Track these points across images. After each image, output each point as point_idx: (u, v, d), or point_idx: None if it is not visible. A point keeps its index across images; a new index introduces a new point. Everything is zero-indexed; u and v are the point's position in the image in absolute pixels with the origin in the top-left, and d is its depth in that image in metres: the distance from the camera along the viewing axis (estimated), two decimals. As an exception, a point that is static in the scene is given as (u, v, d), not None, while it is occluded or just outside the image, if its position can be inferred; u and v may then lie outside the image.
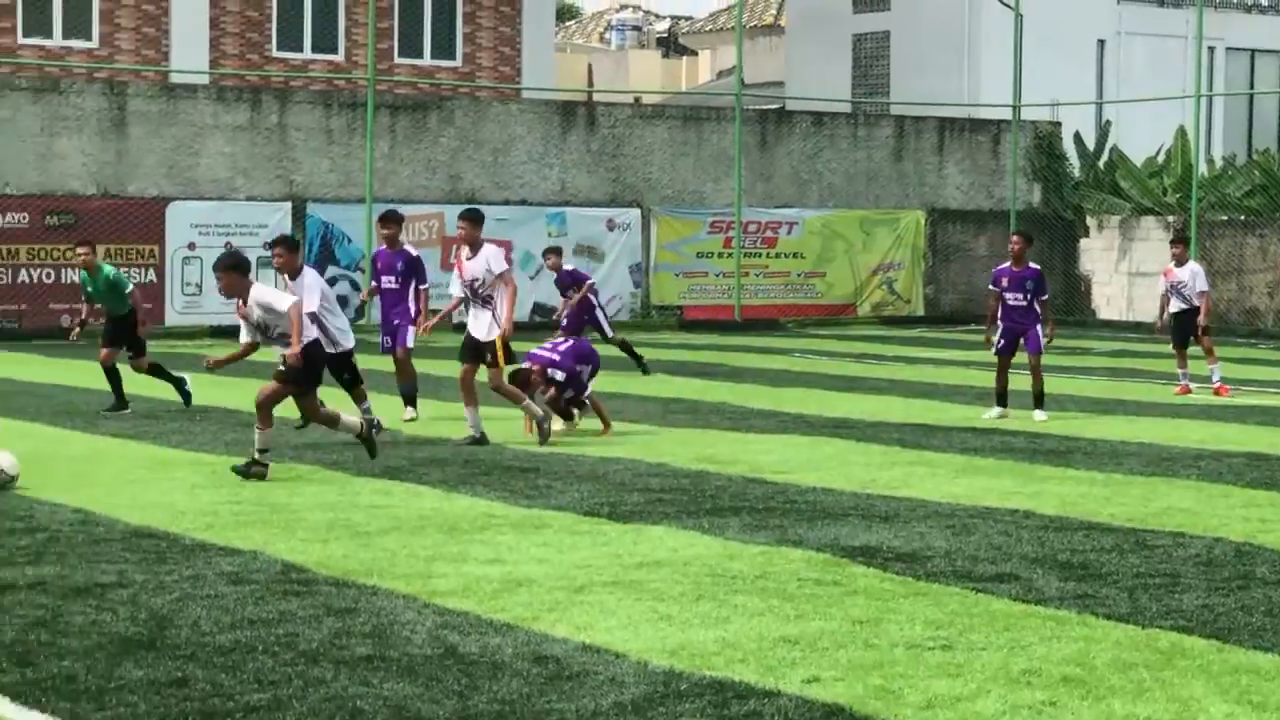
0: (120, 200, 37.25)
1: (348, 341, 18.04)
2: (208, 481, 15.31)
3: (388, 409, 20.19)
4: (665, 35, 77.32)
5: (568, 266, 27.61)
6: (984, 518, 13.54)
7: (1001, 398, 21.33)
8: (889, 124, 45.90)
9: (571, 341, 20.10)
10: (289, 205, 38.57)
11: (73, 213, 36.57)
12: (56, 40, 40.71)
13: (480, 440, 18.16)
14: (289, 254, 17.51)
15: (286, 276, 17.59)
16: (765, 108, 49.06)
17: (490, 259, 18.30)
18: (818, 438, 19.04)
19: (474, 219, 18.57)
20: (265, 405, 15.67)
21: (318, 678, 8.46)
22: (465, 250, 18.50)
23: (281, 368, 15.80)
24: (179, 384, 21.51)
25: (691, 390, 24.88)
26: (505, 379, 18.32)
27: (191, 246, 37.57)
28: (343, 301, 38.49)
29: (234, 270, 16.02)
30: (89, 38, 41.02)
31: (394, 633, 9.44)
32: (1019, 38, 44.67)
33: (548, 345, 19.70)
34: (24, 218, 36.15)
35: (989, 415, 21.20)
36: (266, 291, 16.10)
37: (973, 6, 50.09)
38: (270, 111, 39.25)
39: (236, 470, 15.41)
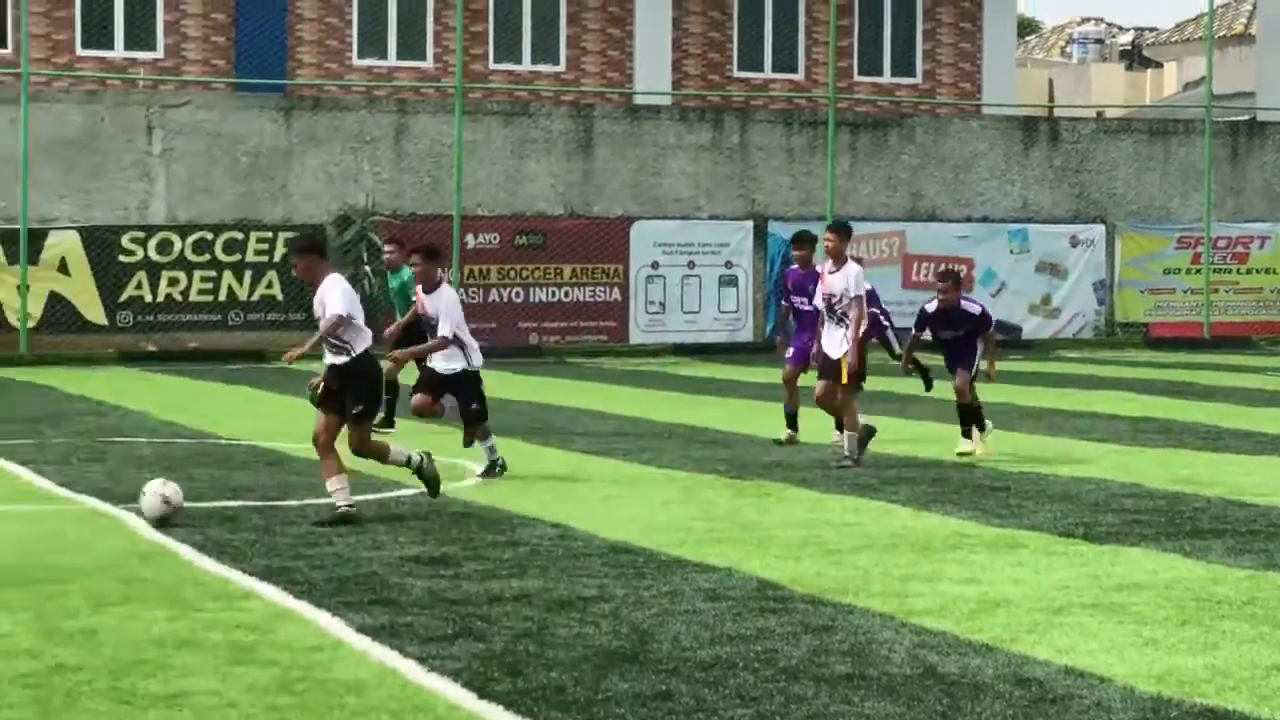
0: (586, 220, 38.11)
1: (478, 360, 17.15)
2: (678, 497, 15.49)
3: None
4: (1129, 47, 75.81)
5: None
6: None
7: None
8: (1368, 133, 44.20)
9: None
10: (750, 224, 38.94)
11: (541, 233, 37.55)
12: (525, 65, 41.80)
13: (869, 432, 17.92)
14: (425, 263, 17.04)
15: (421, 288, 17.26)
16: (1235, 119, 47.68)
17: (852, 278, 17.95)
18: (1299, 459, 18.39)
19: (841, 232, 18.31)
20: (366, 450, 14.24)
21: (799, 695, 8.46)
22: (829, 264, 18.28)
23: (356, 410, 13.99)
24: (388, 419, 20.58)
25: (1162, 409, 24.28)
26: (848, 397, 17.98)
27: (655, 265, 38.20)
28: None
29: (311, 252, 14.32)
30: (556, 62, 42.02)
31: (872, 651, 9.39)
32: None
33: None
34: (494, 238, 37.24)
35: None
36: (333, 288, 14.06)
37: None
38: (732, 131, 39.68)
39: (323, 522, 13.71)
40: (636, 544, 12.83)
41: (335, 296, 13.96)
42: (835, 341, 18.01)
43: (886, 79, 44.28)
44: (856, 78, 43.85)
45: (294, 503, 14.74)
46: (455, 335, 16.67)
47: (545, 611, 10.36)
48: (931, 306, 18.66)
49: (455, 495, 15.44)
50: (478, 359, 17.12)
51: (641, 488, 16.17)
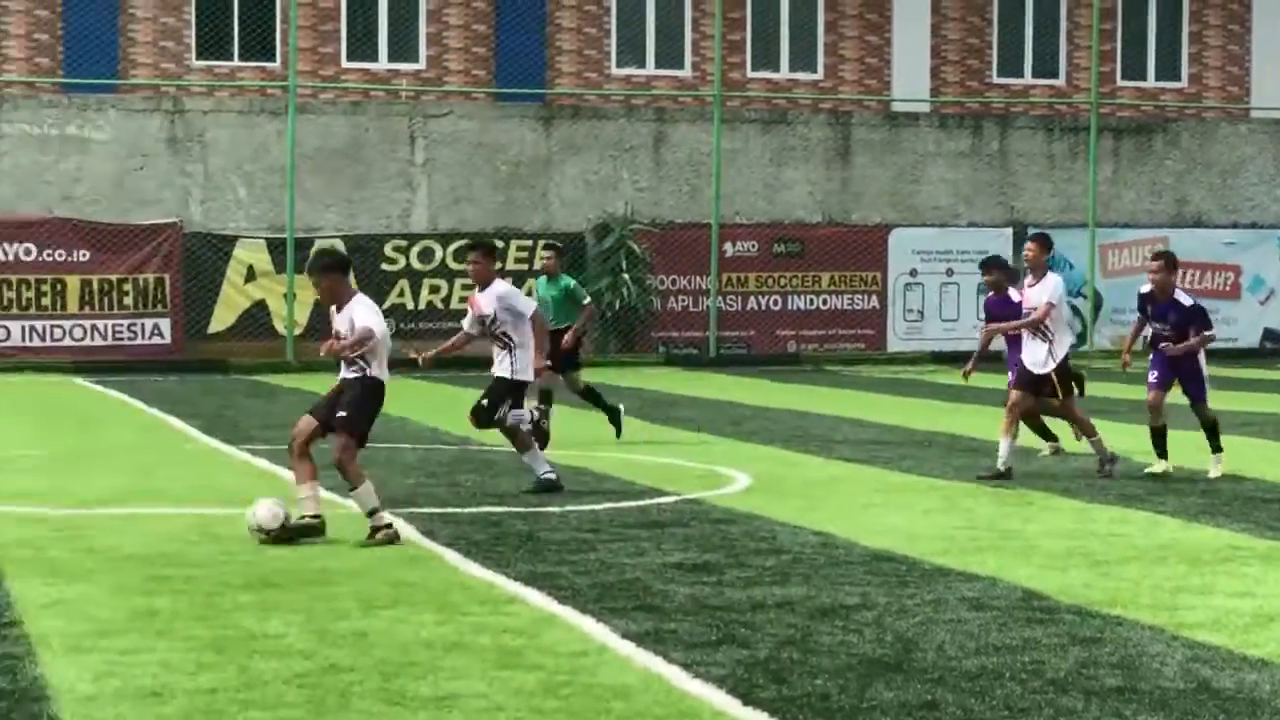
0: (844, 228, 38.01)
1: (523, 371, 16.42)
2: (941, 506, 15.36)
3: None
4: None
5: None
6: None
7: None
8: None
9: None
10: (1009, 231, 38.51)
11: (799, 240, 37.52)
12: (783, 73, 41.73)
13: (1005, 474, 17.13)
14: (484, 260, 16.73)
15: (477, 287, 16.62)
16: None
17: (1050, 289, 17.45)
18: None
19: (1040, 242, 17.94)
20: (343, 464, 13.31)
21: (1068, 707, 8.33)
22: (1029, 277, 17.86)
23: (340, 415, 13.41)
24: (613, 414, 20.67)
25: None
26: (1076, 407, 17.81)
27: (913, 273, 37.97)
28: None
29: (334, 270, 13.70)
30: (814, 70, 41.89)
31: (1143, 664, 9.22)
32: None
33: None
34: (753, 246, 37.28)
35: None
36: (364, 306, 13.58)
37: None
38: (991, 138, 39.31)
39: (364, 544, 13.05)
40: (899, 552, 12.75)
41: (364, 312, 13.46)
42: (1039, 358, 17.65)
43: (1150, 83, 43.50)
44: (1119, 82, 43.15)
45: (555, 509, 14.86)
46: (513, 336, 16.28)
47: (808, 619, 10.32)
48: (1145, 288, 18.13)
49: (716, 503, 15.47)
50: (523, 371, 16.39)
51: (903, 496, 16.06)
